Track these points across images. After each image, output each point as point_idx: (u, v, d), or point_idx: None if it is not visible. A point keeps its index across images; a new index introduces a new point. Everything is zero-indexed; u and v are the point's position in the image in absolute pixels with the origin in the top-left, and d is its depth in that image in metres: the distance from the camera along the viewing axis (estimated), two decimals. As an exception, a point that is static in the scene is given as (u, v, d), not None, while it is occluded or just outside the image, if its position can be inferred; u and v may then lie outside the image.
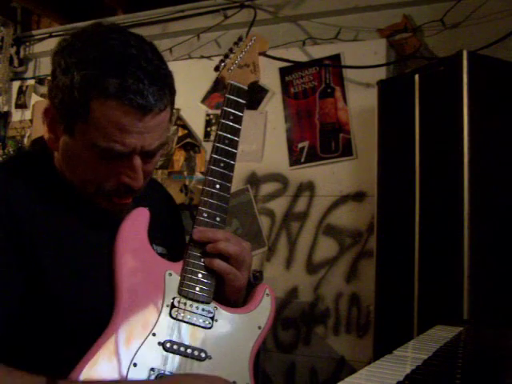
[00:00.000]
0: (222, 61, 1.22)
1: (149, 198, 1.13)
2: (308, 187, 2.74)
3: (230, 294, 1.10)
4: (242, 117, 1.16)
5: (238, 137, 1.15)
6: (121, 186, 0.99)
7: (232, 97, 1.16)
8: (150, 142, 0.96)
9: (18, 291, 0.94)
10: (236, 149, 1.14)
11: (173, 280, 1.05)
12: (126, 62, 0.92)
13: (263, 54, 1.28)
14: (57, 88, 0.95)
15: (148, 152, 0.98)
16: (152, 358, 0.98)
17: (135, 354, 0.97)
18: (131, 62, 0.92)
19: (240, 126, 1.15)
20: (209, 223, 1.09)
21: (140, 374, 0.96)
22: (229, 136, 1.14)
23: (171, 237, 1.20)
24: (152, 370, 0.97)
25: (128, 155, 0.96)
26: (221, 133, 1.14)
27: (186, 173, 3.04)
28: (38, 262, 0.95)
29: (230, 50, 1.25)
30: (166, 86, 0.96)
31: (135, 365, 0.96)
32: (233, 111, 1.15)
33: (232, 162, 1.13)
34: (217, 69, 1.22)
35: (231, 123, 1.15)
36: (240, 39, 1.27)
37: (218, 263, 1.07)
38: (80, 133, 0.94)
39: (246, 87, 1.19)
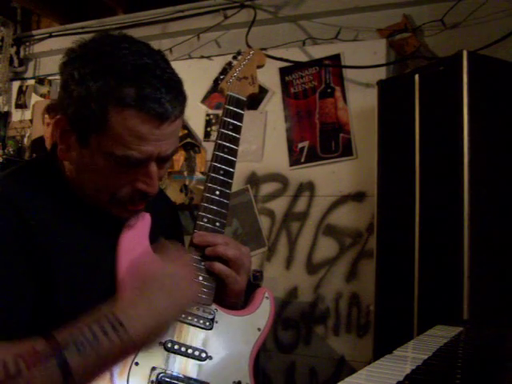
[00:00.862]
0: (221, 74, 1.27)
1: (154, 203, 1.13)
2: (308, 187, 2.75)
3: (230, 296, 1.12)
4: (240, 127, 1.20)
5: (238, 146, 1.19)
6: (135, 193, 1.00)
7: (231, 107, 1.20)
8: (166, 148, 0.97)
9: (29, 302, 0.93)
10: (235, 157, 1.18)
11: None
12: (142, 71, 0.93)
13: (261, 67, 1.32)
14: (70, 99, 0.95)
15: (163, 158, 0.99)
16: (153, 358, 1.00)
17: (137, 354, 0.98)
18: (146, 71, 0.94)
19: (239, 135, 1.19)
20: (209, 228, 1.13)
21: (142, 372, 0.98)
22: (228, 145, 1.17)
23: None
24: (153, 368, 0.99)
25: (145, 162, 0.97)
26: (220, 142, 1.18)
27: (186, 173, 3.04)
28: (49, 272, 0.95)
29: (229, 64, 1.30)
30: (180, 94, 0.98)
31: (137, 364, 0.98)
32: (232, 121, 1.19)
33: (231, 170, 1.17)
34: (216, 81, 1.26)
35: (230, 132, 1.18)
36: (239, 53, 1.32)
37: (218, 266, 1.09)
38: (96, 142, 0.94)
39: (245, 98, 1.23)
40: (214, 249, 1.09)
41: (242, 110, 1.21)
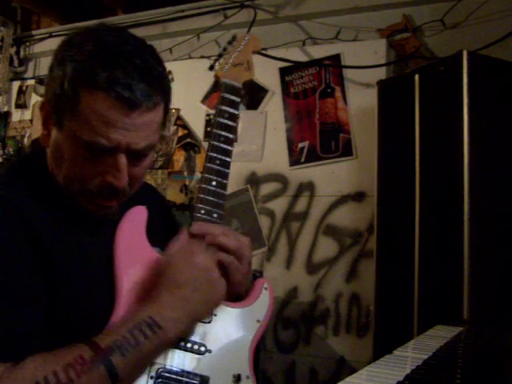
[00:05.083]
0: (216, 60, 1.24)
1: (141, 199, 1.12)
2: (308, 187, 2.75)
3: (233, 286, 1.09)
4: (237, 115, 1.16)
5: (234, 134, 1.15)
6: (105, 186, 0.97)
7: (227, 95, 1.17)
8: (136, 140, 0.94)
9: (43, 301, 0.93)
10: (232, 146, 1.14)
11: None
12: (118, 57, 0.92)
13: (257, 52, 1.28)
14: (51, 80, 0.96)
15: (135, 152, 0.96)
16: None
17: None
18: (123, 56, 0.92)
19: (235, 123, 1.16)
20: (206, 220, 1.10)
21: None
22: (224, 134, 1.14)
23: (165, 237, 1.20)
24: (152, 363, 0.98)
25: (113, 152, 0.94)
26: (216, 131, 1.14)
27: (186, 173, 3.04)
28: (52, 272, 0.94)
29: (224, 50, 1.27)
30: (157, 86, 0.95)
31: None
32: (228, 109, 1.15)
33: (228, 159, 1.13)
34: (211, 68, 1.23)
35: (226, 121, 1.15)
36: (234, 38, 1.30)
37: (220, 254, 1.06)
38: (68, 125, 0.93)
39: (240, 85, 1.19)
40: (214, 238, 1.05)
41: (238, 97, 1.17)
